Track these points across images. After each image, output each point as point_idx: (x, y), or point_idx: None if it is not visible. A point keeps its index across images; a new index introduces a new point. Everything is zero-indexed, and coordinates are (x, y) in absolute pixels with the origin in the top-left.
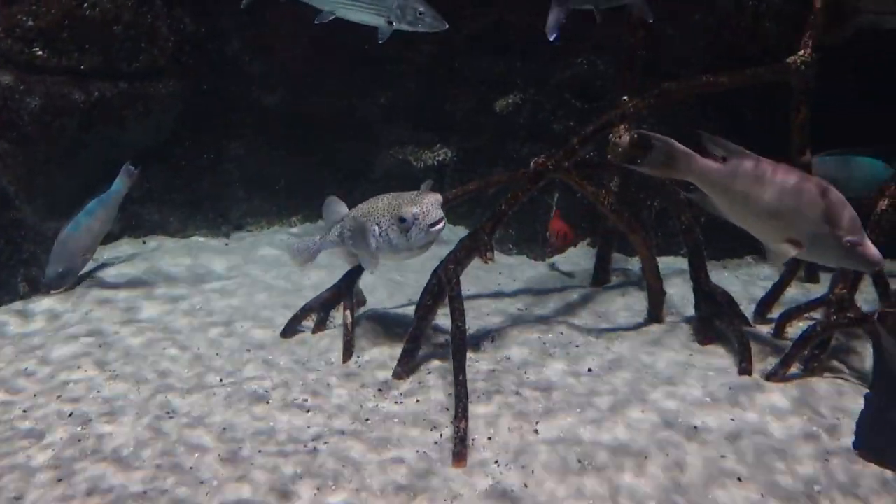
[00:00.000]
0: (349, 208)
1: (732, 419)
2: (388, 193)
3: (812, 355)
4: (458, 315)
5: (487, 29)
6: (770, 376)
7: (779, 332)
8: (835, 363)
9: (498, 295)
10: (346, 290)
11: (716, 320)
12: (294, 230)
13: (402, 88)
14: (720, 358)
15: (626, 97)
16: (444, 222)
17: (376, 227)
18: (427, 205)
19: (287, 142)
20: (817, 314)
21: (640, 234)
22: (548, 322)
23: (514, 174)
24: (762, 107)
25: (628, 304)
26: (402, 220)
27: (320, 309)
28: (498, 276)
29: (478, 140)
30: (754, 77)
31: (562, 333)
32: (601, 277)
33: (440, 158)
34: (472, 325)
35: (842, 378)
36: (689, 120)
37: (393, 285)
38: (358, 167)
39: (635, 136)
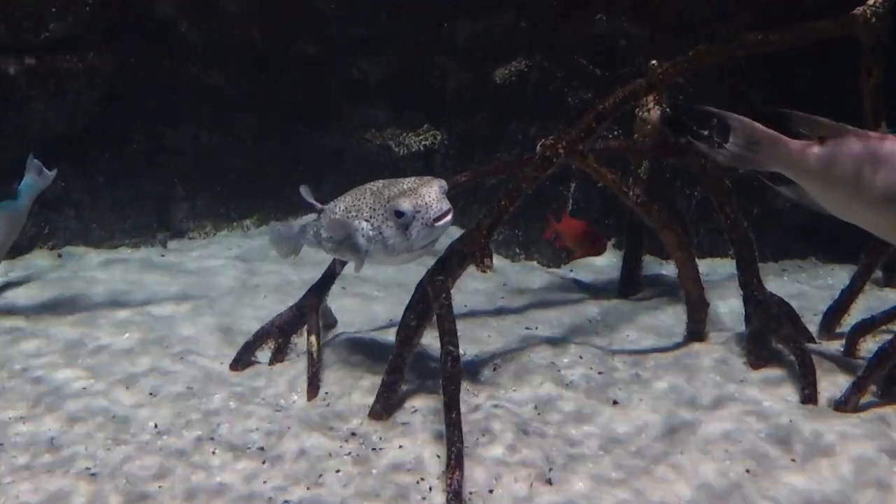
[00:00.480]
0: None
1: (793, 461)
2: (376, 181)
3: (891, 378)
4: (449, 338)
5: None
6: (840, 405)
7: (850, 349)
8: None
9: (501, 312)
10: (309, 310)
11: (771, 337)
12: (251, 237)
13: (380, 58)
14: (777, 385)
15: (654, 62)
16: (451, 214)
17: (365, 225)
18: (429, 194)
19: (237, 128)
20: None
21: (674, 231)
22: (563, 344)
23: (516, 161)
24: (826, 70)
25: (662, 320)
26: (399, 213)
27: (278, 334)
28: (501, 287)
29: (473, 119)
30: (813, 33)
31: (580, 358)
32: (629, 287)
33: (427, 143)
34: (469, 349)
35: None
36: (733, 89)
37: (370, 302)
38: (325, 157)
39: (667, 110)
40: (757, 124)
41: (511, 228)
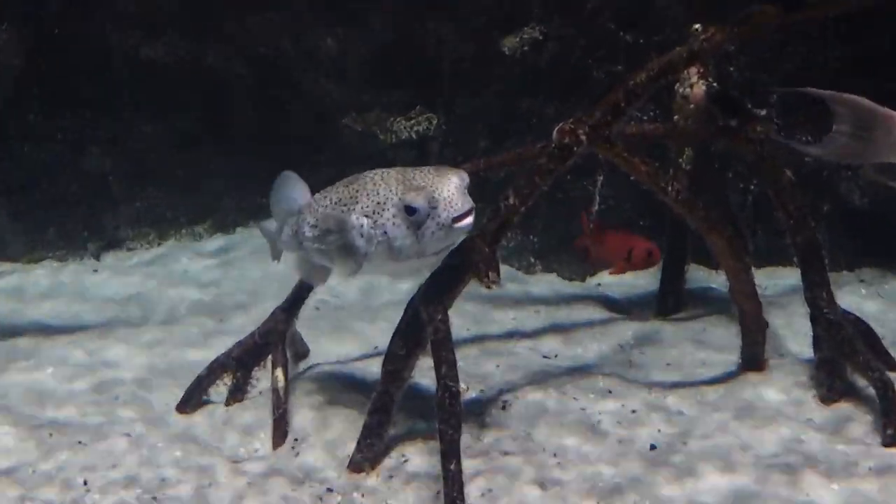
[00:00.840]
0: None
1: None
2: (378, 170)
3: None
4: (447, 370)
5: None
6: None
7: None
8: None
9: (512, 336)
10: (275, 337)
11: (846, 364)
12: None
13: (361, 25)
14: (854, 423)
15: (698, 26)
16: (473, 215)
17: (365, 221)
18: (448, 188)
19: (185, 114)
20: None
21: (724, 233)
22: (589, 375)
23: (529, 150)
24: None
25: (710, 343)
26: (410, 209)
27: (237, 367)
28: (512, 306)
29: (478, 99)
30: None
31: (609, 393)
32: (669, 303)
33: (421, 129)
34: (472, 384)
35: None
36: (802, 60)
37: (351, 325)
38: (297, 147)
39: (714, 85)
40: (870, 102)
41: (525, 233)
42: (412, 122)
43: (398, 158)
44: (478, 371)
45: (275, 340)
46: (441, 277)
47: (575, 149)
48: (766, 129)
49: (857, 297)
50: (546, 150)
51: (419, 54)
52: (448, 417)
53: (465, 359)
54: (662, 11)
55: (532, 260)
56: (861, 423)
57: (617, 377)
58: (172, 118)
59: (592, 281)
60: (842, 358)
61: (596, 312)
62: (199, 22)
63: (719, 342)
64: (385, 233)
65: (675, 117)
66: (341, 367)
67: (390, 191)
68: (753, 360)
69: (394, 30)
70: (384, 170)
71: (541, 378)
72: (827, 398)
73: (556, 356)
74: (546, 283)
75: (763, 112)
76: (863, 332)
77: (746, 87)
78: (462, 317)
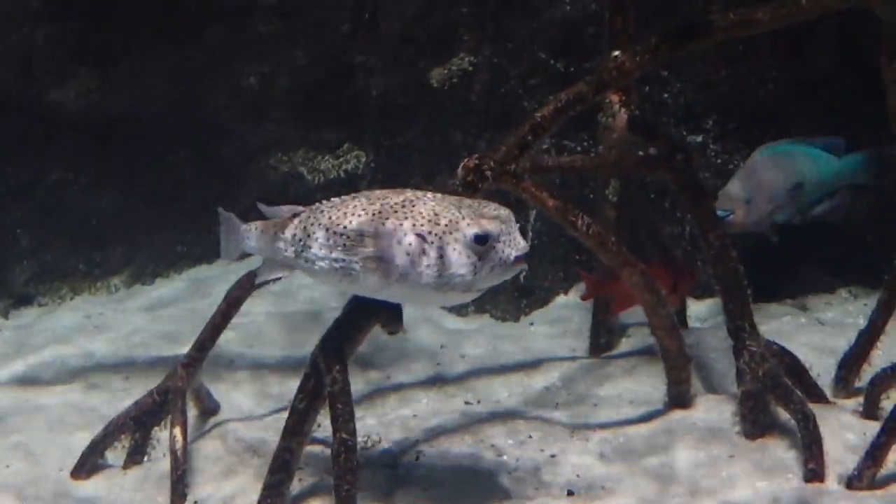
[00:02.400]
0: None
1: None
2: (412, 190)
3: None
4: (343, 423)
5: None
6: (852, 481)
7: (871, 407)
8: None
9: (435, 382)
10: (174, 394)
11: (770, 397)
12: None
13: (284, 58)
14: (774, 460)
15: (616, 53)
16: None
17: (414, 240)
18: (512, 223)
19: (96, 158)
20: None
21: (638, 268)
22: (510, 421)
23: (434, 188)
24: (849, 55)
25: (640, 380)
26: (481, 238)
27: (134, 427)
28: (438, 350)
29: (407, 133)
30: (814, 8)
31: (530, 437)
32: (602, 341)
33: (349, 167)
34: (387, 433)
35: None
36: (737, 83)
37: (265, 375)
38: (219, 190)
39: (636, 113)
40: None
41: None
42: (340, 160)
43: (326, 198)
44: (395, 420)
45: (174, 396)
46: (341, 326)
47: (480, 186)
48: (687, 157)
49: (798, 325)
50: (451, 187)
51: (346, 89)
52: (343, 473)
53: (383, 407)
54: (592, 39)
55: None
56: (783, 458)
57: (539, 420)
58: (85, 163)
59: (526, 320)
60: (764, 391)
61: (526, 353)
62: (113, 62)
63: (650, 379)
64: (441, 257)
65: (601, 147)
66: (253, 422)
67: (457, 213)
68: (680, 396)
69: (319, 64)
70: (420, 192)
71: (460, 425)
72: (750, 433)
73: (478, 401)
74: (478, 324)
75: (699, 138)
76: (788, 364)
77: (682, 112)
78: (382, 364)
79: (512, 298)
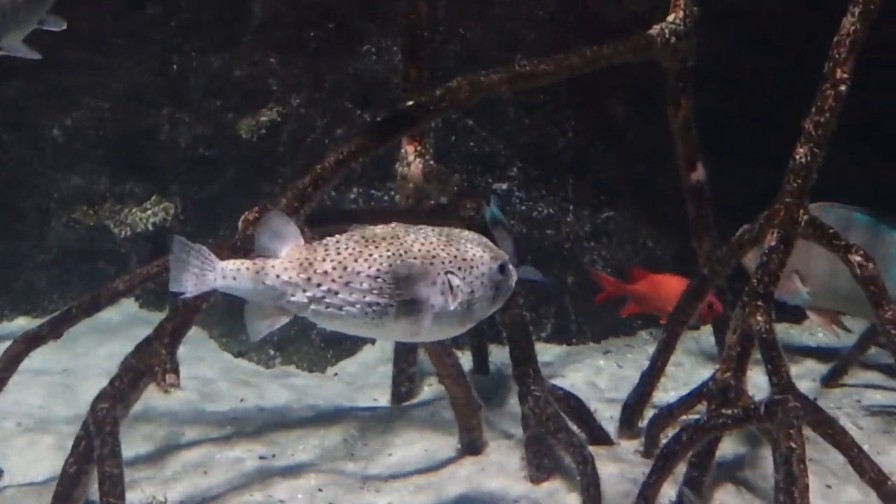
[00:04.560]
0: None
1: None
2: (406, 226)
3: (689, 479)
4: (110, 487)
5: (212, 10)
6: None
7: (651, 447)
8: (730, 488)
9: (230, 438)
10: None
11: (554, 440)
12: None
13: (89, 110)
14: (560, 502)
15: (412, 102)
16: None
17: (451, 278)
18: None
19: None
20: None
21: None
22: (302, 474)
23: (217, 243)
24: (642, 103)
25: (438, 428)
26: (502, 269)
27: None
28: (238, 403)
29: (215, 184)
30: (598, 60)
31: (319, 491)
32: (403, 389)
33: (158, 219)
34: (170, 494)
35: None
36: (538, 130)
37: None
38: (22, 247)
39: (430, 163)
40: None
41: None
42: (148, 212)
43: (133, 252)
44: (183, 478)
45: None
46: (114, 385)
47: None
48: (476, 205)
49: (595, 367)
50: (228, 243)
51: (153, 141)
52: None
53: (173, 465)
54: (397, 89)
55: (272, 352)
56: (566, 501)
57: (333, 473)
58: None
59: (331, 371)
60: (548, 435)
61: (329, 403)
62: None
63: (447, 426)
64: (472, 292)
65: (398, 196)
66: (35, 488)
67: (477, 247)
68: (472, 443)
69: (126, 117)
70: (418, 227)
71: (251, 481)
72: (535, 477)
73: (273, 455)
74: (282, 375)
75: (504, 185)
76: (573, 407)
77: (488, 161)
78: (177, 421)
79: (318, 349)
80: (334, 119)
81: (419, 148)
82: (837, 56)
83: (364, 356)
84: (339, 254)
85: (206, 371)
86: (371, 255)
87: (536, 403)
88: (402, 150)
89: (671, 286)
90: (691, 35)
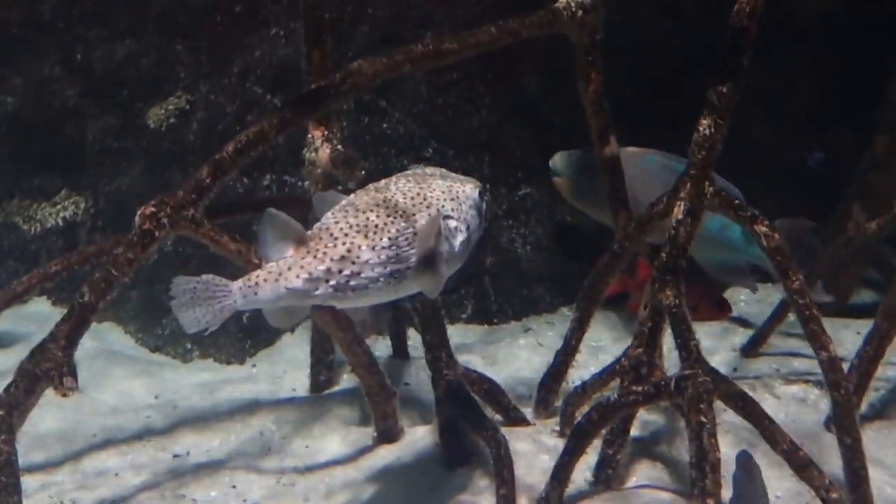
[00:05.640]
0: None
1: None
2: (391, 178)
3: (604, 458)
4: (5, 496)
5: None
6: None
7: (565, 427)
8: (646, 464)
9: (142, 436)
10: None
11: (466, 424)
12: None
13: None
14: (474, 491)
15: (313, 87)
16: None
17: (450, 223)
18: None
19: None
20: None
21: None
22: (217, 470)
23: (104, 243)
24: (556, 76)
25: (357, 418)
26: (480, 195)
27: None
28: (153, 401)
29: (125, 177)
30: (504, 36)
31: (234, 487)
32: (321, 378)
33: (68, 213)
34: (79, 496)
35: (659, 489)
36: (451, 111)
37: None
38: None
39: (338, 148)
40: None
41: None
42: (58, 207)
43: (44, 249)
44: (94, 480)
45: None
46: (9, 392)
47: (157, 234)
48: None
49: (515, 347)
50: (125, 239)
51: (60, 134)
52: None
53: (84, 466)
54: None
55: (189, 346)
56: (480, 486)
57: (247, 469)
58: None
59: (249, 362)
60: (461, 419)
61: (245, 396)
62: None
63: (364, 415)
64: (468, 227)
65: (308, 183)
66: None
67: (454, 182)
68: (387, 431)
69: (30, 109)
70: (386, 183)
71: (163, 480)
72: (451, 462)
73: (188, 453)
74: (199, 369)
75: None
76: (486, 389)
77: (403, 142)
78: (90, 426)
79: (236, 340)
80: (244, 105)
81: (326, 133)
82: (739, 25)
83: (282, 345)
84: (346, 235)
85: (120, 369)
86: (377, 226)
87: (449, 387)
88: (309, 136)
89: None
90: (598, 8)
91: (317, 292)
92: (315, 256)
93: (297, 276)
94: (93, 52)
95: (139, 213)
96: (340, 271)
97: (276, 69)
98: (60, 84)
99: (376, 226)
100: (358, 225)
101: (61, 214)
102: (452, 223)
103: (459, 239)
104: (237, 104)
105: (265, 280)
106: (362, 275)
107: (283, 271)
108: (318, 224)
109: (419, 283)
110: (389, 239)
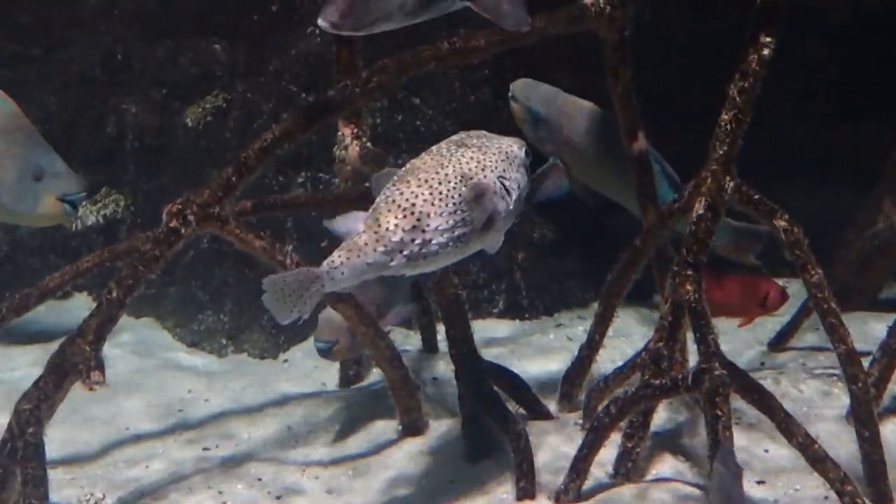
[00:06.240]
0: None
1: None
2: (444, 143)
3: (624, 451)
4: (32, 487)
5: None
6: (560, 496)
7: (588, 421)
8: (666, 456)
9: (175, 430)
10: None
11: (488, 418)
12: None
13: (34, 104)
14: (495, 482)
15: (340, 85)
16: None
17: (505, 182)
18: None
19: None
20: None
21: (351, 302)
22: (244, 463)
23: (135, 240)
24: (588, 72)
25: (385, 410)
26: (526, 153)
27: None
28: (186, 394)
29: (163, 175)
30: (532, 32)
31: (259, 480)
32: (350, 373)
33: (108, 212)
34: (110, 490)
35: (679, 482)
36: (483, 107)
37: None
38: None
39: (368, 145)
40: None
41: (216, 313)
42: (98, 205)
43: (85, 246)
44: (124, 474)
45: None
46: (38, 385)
47: (183, 231)
48: None
49: (545, 341)
50: (152, 237)
51: (101, 133)
52: None
53: (114, 460)
54: None
55: (224, 341)
56: (501, 478)
57: (273, 462)
58: None
59: (282, 357)
60: (483, 413)
61: (276, 391)
62: None
63: (390, 409)
64: (518, 185)
65: (338, 179)
66: None
67: (501, 141)
68: (412, 424)
69: (71, 109)
70: (448, 142)
71: (193, 473)
72: (472, 455)
73: (217, 447)
74: (234, 364)
75: None
76: (509, 383)
77: (435, 140)
78: (120, 416)
79: (269, 335)
80: (280, 103)
81: (356, 130)
82: (760, 19)
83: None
84: (413, 205)
85: (155, 361)
86: (441, 192)
87: (472, 381)
88: (340, 133)
89: (733, 286)
90: (626, 4)
91: (392, 263)
92: (387, 229)
93: (375, 251)
94: (133, 51)
95: (166, 210)
96: (413, 240)
97: (312, 68)
98: (103, 85)
99: (441, 193)
100: (425, 195)
101: (102, 212)
102: (507, 182)
103: (514, 196)
104: (273, 102)
105: (347, 258)
106: (433, 242)
107: (361, 247)
108: (381, 196)
109: (482, 242)
110: (454, 204)
